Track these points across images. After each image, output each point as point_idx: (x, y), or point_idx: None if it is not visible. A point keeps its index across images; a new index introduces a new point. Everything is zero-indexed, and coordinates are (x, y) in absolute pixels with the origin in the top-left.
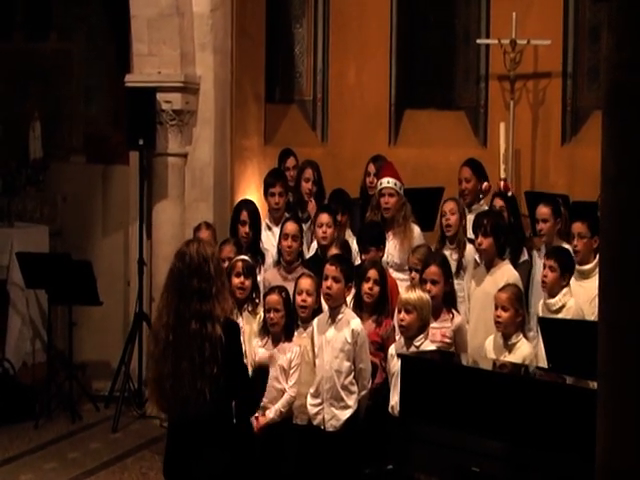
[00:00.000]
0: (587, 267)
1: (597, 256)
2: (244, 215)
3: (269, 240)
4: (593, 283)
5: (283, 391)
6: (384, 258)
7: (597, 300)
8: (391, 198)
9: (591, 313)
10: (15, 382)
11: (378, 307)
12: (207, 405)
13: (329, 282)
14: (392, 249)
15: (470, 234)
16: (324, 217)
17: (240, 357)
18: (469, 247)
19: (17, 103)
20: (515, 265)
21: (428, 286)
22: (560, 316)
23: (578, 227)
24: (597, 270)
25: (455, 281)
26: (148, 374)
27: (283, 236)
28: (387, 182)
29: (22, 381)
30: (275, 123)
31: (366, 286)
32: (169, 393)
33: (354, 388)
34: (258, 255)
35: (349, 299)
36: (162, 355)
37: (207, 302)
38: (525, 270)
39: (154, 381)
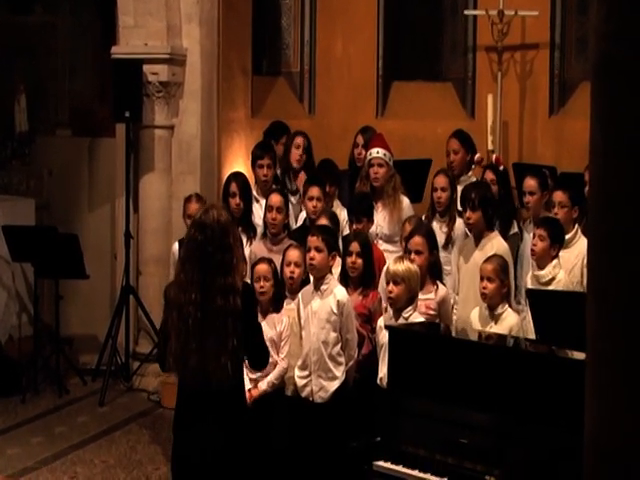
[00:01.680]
0: (567, 237)
1: (576, 226)
2: (233, 187)
3: (257, 212)
4: (572, 253)
5: (274, 364)
6: (372, 229)
7: (576, 269)
8: (380, 168)
9: (570, 282)
10: (1, 356)
11: (364, 279)
12: (229, 378)
13: (312, 253)
14: (381, 220)
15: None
16: (314, 191)
17: (256, 318)
18: (459, 221)
19: (2, 76)
20: (505, 238)
21: (412, 256)
22: (550, 288)
23: (559, 196)
24: (575, 240)
25: (443, 254)
26: (170, 346)
27: (268, 208)
28: (377, 152)
29: (8, 355)
30: (262, 95)
31: (349, 260)
32: (193, 368)
33: (341, 359)
34: (250, 229)
35: (336, 270)
36: (189, 331)
37: (229, 275)
38: (515, 243)
39: (178, 355)
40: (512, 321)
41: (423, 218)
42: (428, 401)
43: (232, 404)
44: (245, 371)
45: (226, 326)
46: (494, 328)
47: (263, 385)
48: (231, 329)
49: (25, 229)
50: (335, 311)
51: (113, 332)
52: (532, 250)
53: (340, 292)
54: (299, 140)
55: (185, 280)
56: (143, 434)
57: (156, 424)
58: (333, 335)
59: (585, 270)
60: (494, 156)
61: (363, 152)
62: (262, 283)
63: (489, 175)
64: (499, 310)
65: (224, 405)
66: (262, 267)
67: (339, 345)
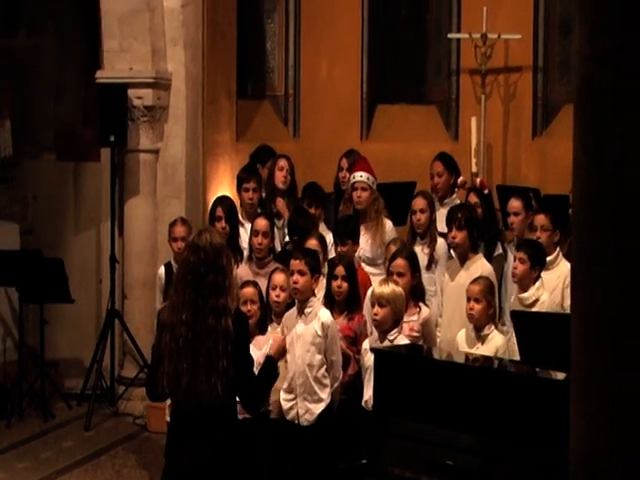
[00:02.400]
0: (548, 259)
1: (557, 248)
2: (219, 211)
3: (242, 236)
4: (554, 274)
5: None
6: (356, 252)
7: (558, 291)
8: (364, 192)
9: (552, 303)
10: None
11: (349, 303)
12: (219, 399)
13: (295, 276)
14: (364, 243)
15: (441, 228)
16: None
17: (247, 350)
18: (440, 241)
19: None
20: (489, 259)
21: (394, 278)
22: (534, 310)
23: (541, 219)
24: (557, 262)
25: (426, 275)
26: (163, 368)
27: (254, 232)
28: (360, 176)
29: None
30: (247, 119)
31: (335, 284)
32: (185, 388)
33: (326, 381)
34: (237, 253)
35: (320, 293)
36: (180, 351)
37: (222, 296)
38: (499, 264)
39: (171, 376)
40: (499, 342)
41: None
42: (414, 423)
43: (223, 424)
44: None
45: (217, 347)
46: (481, 349)
47: None
48: (222, 350)
49: (10, 253)
50: (319, 333)
51: (98, 356)
52: (513, 273)
53: (324, 314)
54: (282, 162)
55: (177, 301)
56: (129, 458)
57: (142, 448)
58: (318, 357)
59: (567, 292)
60: (478, 179)
61: (347, 175)
62: (249, 307)
63: (473, 198)
64: (486, 331)
65: (215, 425)
66: (248, 290)
67: (324, 367)
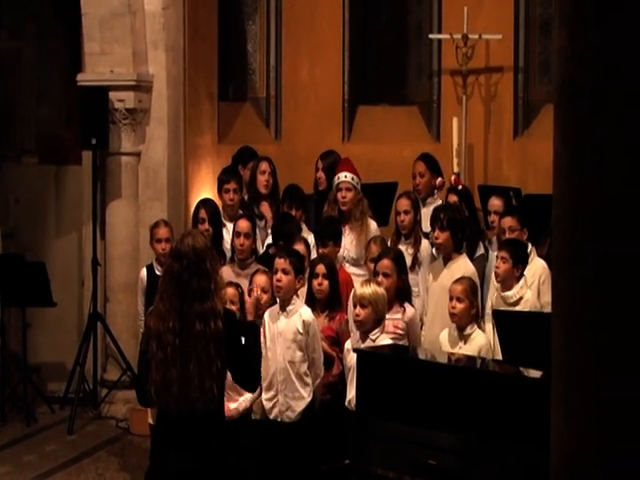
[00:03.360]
0: None
1: (530, 245)
2: (202, 213)
3: (224, 237)
4: (529, 272)
5: None
6: (340, 253)
7: (533, 288)
8: (348, 192)
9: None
10: None
11: (330, 302)
12: (214, 402)
13: (279, 275)
14: (348, 244)
15: (425, 228)
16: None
17: (240, 341)
18: (424, 242)
19: None
20: (472, 259)
21: (380, 278)
22: (517, 309)
23: (508, 222)
24: (531, 259)
25: (410, 275)
26: (151, 375)
27: (235, 234)
28: (344, 177)
29: None
30: (229, 121)
31: (315, 282)
32: (176, 395)
33: (308, 379)
34: (220, 255)
35: (302, 293)
36: (168, 359)
37: (208, 300)
38: (481, 264)
39: (160, 383)
40: (481, 341)
41: (389, 242)
42: (397, 423)
43: (215, 426)
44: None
45: (208, 350)
46: (463, 349)
47: (246, 402)
48: (214, 353)
49: None
50: (301, 331)
51: (81, 359)
52: (496, 273)
53: (305, 312)
54: (264, 166)
55: (163, 308)
56: (112, 461)
57: (125, 451)
58: (299, 354)
59: (542, 288)
60: (452, 177)
61: (323, 176)
62: (229, 307)
63: (452, 197)
64: (468, 330)
65: (207, 427)
66: (229, 291)
67: (306, 364)
